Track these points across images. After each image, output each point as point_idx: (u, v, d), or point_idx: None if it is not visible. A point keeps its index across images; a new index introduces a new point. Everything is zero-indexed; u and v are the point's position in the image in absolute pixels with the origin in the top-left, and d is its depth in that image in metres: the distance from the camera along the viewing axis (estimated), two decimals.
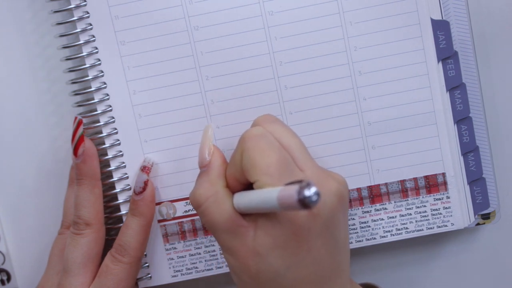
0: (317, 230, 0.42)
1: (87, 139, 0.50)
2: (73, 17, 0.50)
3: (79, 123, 0.50)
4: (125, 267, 0.49)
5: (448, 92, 0.51)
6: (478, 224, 0.53)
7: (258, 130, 0.44)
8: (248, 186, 0.44)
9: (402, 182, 0.51)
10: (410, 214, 0.52)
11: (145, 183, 0.50)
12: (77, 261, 0.49)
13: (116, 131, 0.51)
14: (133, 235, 0.49)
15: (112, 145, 0.51)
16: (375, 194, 0.51)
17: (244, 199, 0.43)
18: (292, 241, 0.42)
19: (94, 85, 0.51)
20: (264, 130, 0.44)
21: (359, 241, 0.52)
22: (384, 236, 0.52)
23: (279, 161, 0.42)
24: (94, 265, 0.50)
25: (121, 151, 0.51)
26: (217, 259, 0.52)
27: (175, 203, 0.52)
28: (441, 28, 0.50)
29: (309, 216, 0.42)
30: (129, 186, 0.51)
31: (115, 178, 0.51)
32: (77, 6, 0.50)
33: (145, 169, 0.50)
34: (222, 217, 0.43)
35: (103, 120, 0.51)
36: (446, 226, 0.52)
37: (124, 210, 0.51)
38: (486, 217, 0.53)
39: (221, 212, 0.44)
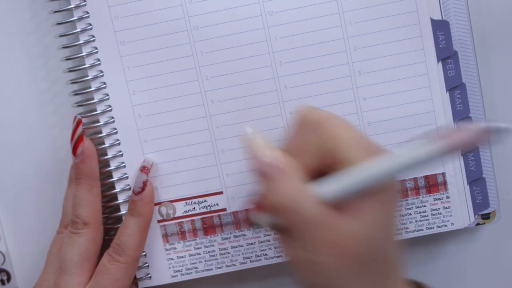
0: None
1: (86, 138, 0.50)
2: (73, 17, 0.50)
3: (78, 123, 0.50)
4: (122, 266, 0.49)
5: (448, 92, 0.51)
6: (478, 224, 0.53)
7: (324, 112, 0.42)
8: (318, 174, 0.42)
9: (402, 181, 0.51)
10: (410, 214, 0.52)
11: (144, 183, 0.50)
12: (74, 260, 0.49)
13: (116, 131, 0.51)
14: (131, 235, 0.49)
15: (111, 145, 0.51)
16: None
17: (339, 183, 0.41)
18: (394, 216, 0.41)
19: (94, 85, 0.51)
20: (327, 112, 0.42)
21: None
22: None
23: (362, 136, 0.41)
24: (91, 264, 0.50)
25: (120, 151, 0.51)
26: (217, 259, 0.52)
27: (174, 203, 0.52)
28: (441, 28, 0.50)
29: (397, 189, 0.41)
30: (128, 186, 0.51)
31: (115, 178, 0.51)
32: (77, 6, 0.50)
33: (144, 169, 0.50)
34: (318, 210, 0.41)
35: (103, 120, 0.51)
36: (446, 226, 0.52)
37: (123, 210, 0.51)
38: (486, 217, 0.52)
39: (316, 206, 0.41)
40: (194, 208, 0.52)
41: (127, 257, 0.49)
